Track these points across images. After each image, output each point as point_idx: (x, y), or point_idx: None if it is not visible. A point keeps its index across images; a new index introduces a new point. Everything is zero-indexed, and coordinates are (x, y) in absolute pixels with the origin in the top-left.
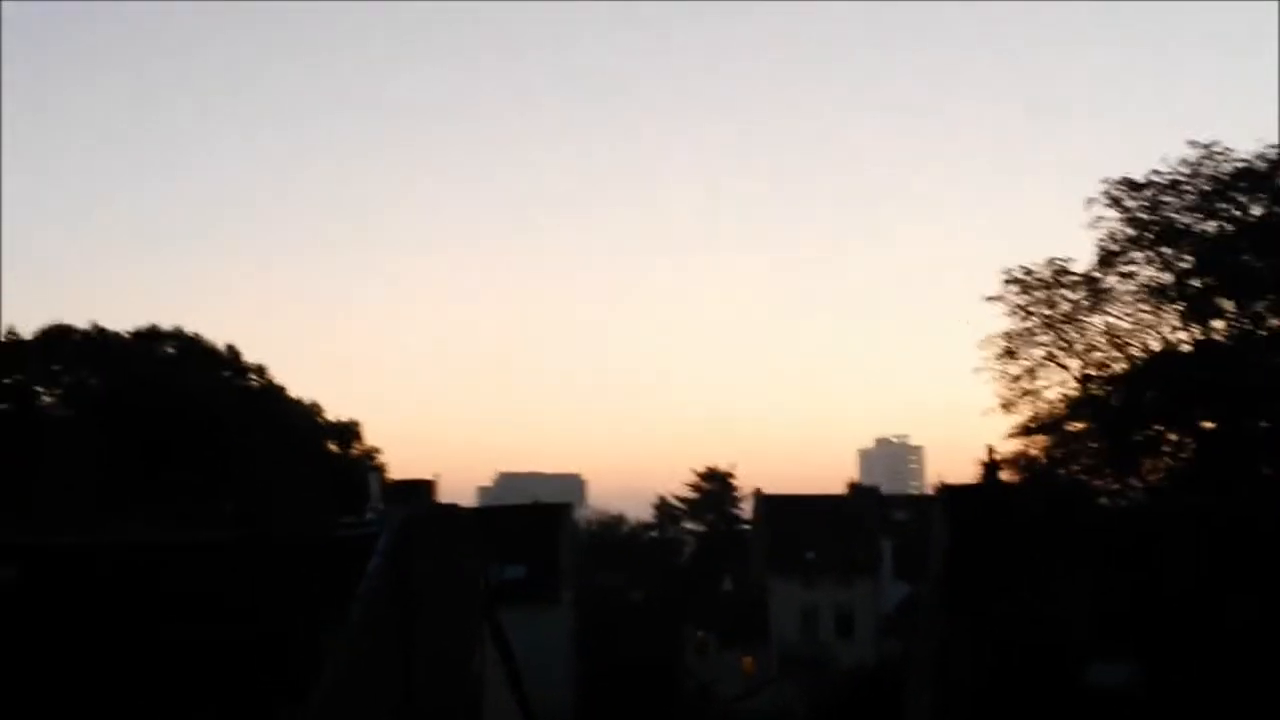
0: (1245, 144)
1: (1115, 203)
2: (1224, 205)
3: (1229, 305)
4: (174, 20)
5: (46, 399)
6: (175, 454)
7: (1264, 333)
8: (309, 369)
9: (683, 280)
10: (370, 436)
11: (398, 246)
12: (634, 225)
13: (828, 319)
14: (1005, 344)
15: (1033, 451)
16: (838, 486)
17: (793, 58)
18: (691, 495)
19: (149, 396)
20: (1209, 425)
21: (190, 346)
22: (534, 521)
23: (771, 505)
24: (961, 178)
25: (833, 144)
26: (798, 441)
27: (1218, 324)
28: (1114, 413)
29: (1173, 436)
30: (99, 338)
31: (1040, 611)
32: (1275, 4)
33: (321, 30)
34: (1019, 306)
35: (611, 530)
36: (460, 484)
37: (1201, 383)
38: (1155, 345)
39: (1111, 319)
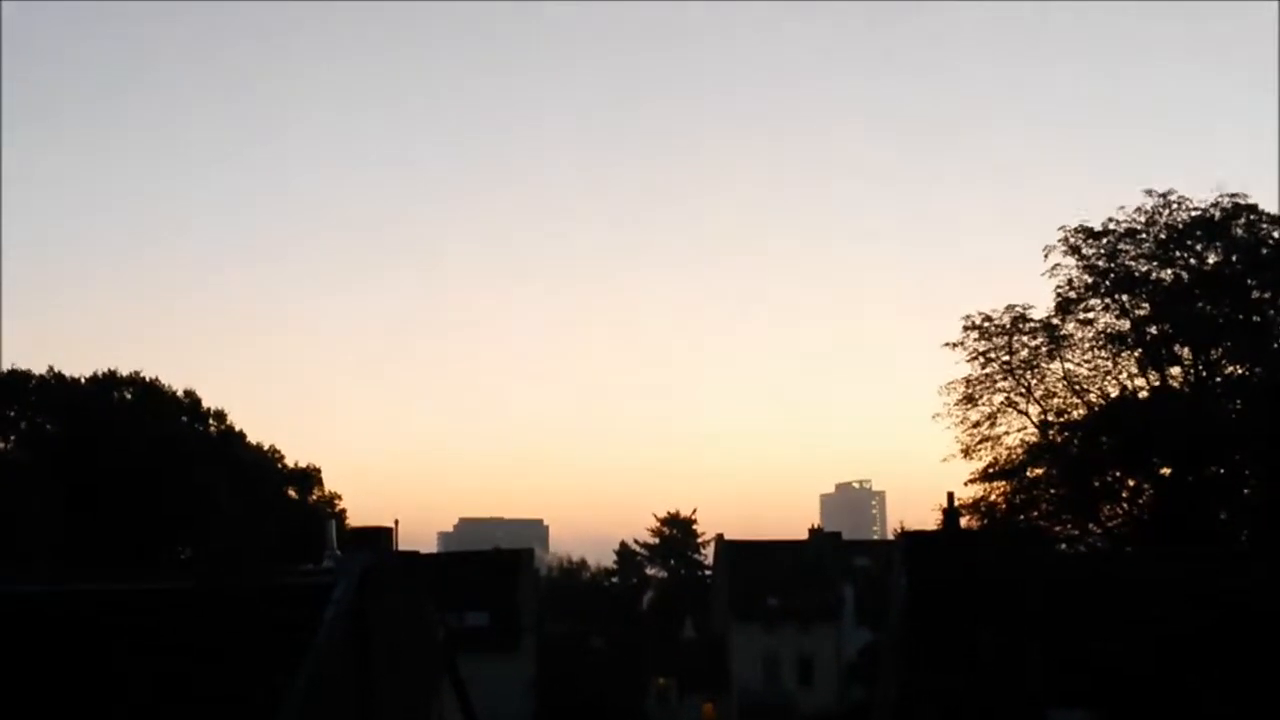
0: (1200, 193)
1: (1073, 250)
2: (1180, 254)
3: (1185, 353)
4: (125, 63)
5: (2, 444)
6: (132, 500)
7: (1220, 380)
8: (269, 414)
9: (647, 328)
10: (330, 483)
11: (359, 292)
12: (599, 273)
13: (790, 365)
14: (965, 390)
15: (993, 497)
16: (800, 532)
17: (758, 109)
18: (653, 540)
19: (106, 442)
20: (1167, 471)
21: (148, 392)
22: (495, 568)
23: (733, 550)
24: (923, 225)
25: (794, 193)
26: (760, 487)
27: (1175, 371)
28: (1073, 459)
29: (1131, 482)
30: (56, 383)
31: (999, 658)
32: (1227, 61)
33: (275, 65)
34: (979, 353)
35: (573, 576)
36: (421, 530)
37: (1159, 429)
38: (1113, 391)
39: (1070, 365)
